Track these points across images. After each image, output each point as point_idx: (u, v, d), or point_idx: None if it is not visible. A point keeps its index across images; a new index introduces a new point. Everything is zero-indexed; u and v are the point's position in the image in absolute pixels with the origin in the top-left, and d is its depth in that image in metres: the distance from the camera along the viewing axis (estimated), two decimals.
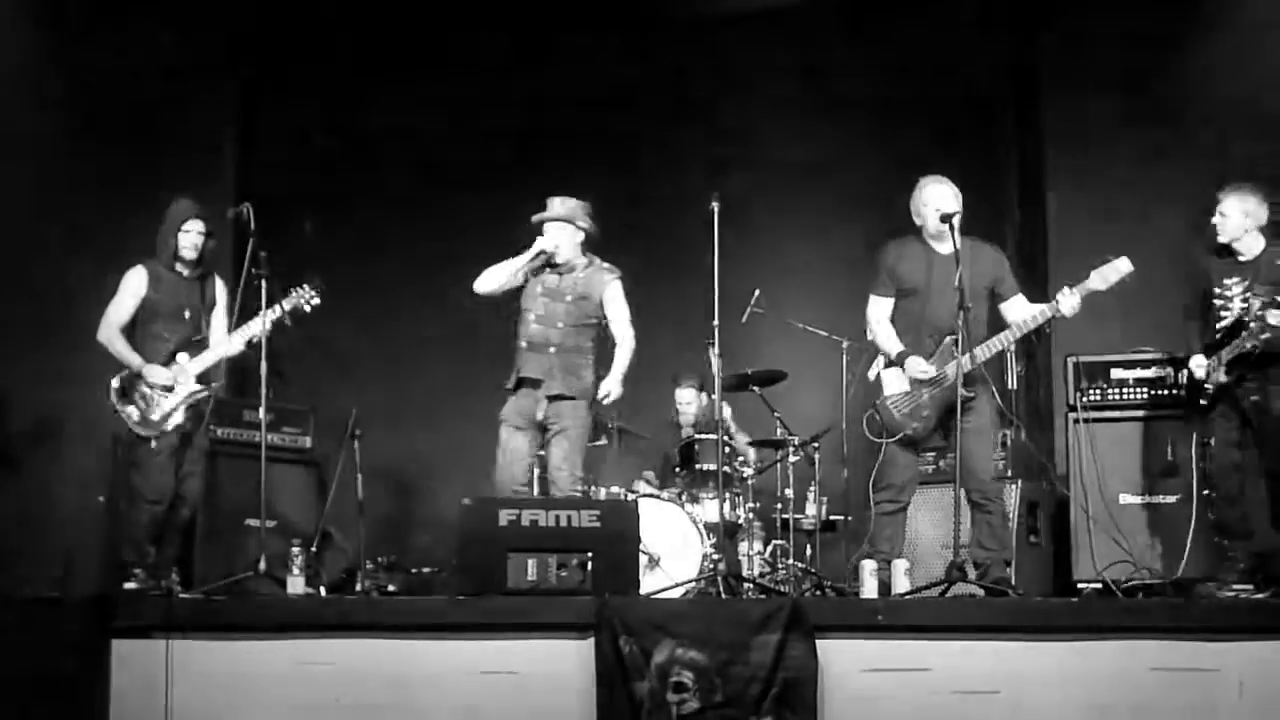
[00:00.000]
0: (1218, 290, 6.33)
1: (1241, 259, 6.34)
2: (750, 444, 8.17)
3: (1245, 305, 6.22)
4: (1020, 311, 6.27)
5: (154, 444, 6.48)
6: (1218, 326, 6.33)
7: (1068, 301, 6.13)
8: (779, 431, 7.94)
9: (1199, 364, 6.34)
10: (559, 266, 6.65)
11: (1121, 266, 6.12)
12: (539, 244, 6.61)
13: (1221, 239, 6.35)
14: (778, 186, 8.94)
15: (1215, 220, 6.33)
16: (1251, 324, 6.13)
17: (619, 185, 8.91)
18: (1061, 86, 8.41)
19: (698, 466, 7.71)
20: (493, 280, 6.60)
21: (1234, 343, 6.21)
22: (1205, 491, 6.46)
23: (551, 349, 6.56)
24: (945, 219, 6.10)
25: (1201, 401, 6.36)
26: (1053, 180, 8.38)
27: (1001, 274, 6.32)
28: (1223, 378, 6.27)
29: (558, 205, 6.70)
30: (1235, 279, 6.29)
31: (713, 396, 6.90)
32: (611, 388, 6.59)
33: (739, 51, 9.03)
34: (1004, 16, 8.85)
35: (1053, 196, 8.32)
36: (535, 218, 6.71)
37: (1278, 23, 7.82)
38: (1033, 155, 8.65)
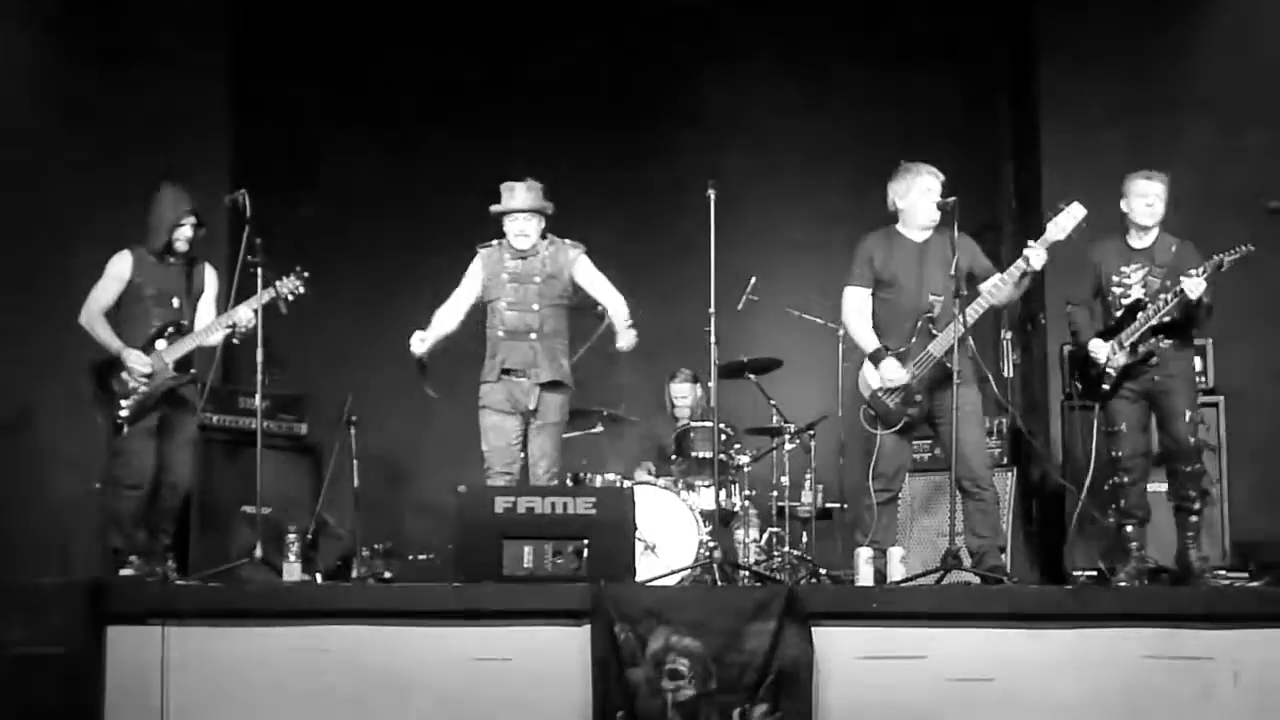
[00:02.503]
0: (1115, 277, 6.35)
1: (1135, 246, 6.38)
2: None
3: (1145, 287, 6.27)
4: (990, 280, 6.23)
5: (125, 430, 6.47)
6: (1116, 312, 6.34)
7: (1034, 254, 6.11)
8: (775, 419, 7.94)
9: (1098, 348, 6.35)
10: (523, 252, 6.56)
11: (1076, 212, 6.12)
12: (414, 348, 6.57)
13: (1150, 221, 6.32)
14: (774, 172, 8.92)
15: (1149, 204, 6.31)
16: (1164, 297, 6.17)
17: (614, 172, 8.91)
18: (1058, 66, 8.40)
19: (693, 454, 7.71)
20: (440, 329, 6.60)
21: (1133, 324, 6.25)
22: (1114, 479, 6.36)
23: (532, 334, 6.51)
24: (942, 207, 6.12)
25: (1104, 386, 6.36)
26: (1048, 161, 8.37)
27: (975, 257, 6.34)
28: (1122, 360, 6.29)
29: (523, 195, 6.53)
30: (1135, 265, 6.33)
31: (708, 386, 6.86)
32: (628, 339, 6.50)
33: (734, 35, 9.00)
34: None
35: (1048, 177, 8.31)
36: (495, 209, 6.60)
37: (1276, 5, 7.83)
38: (1028, 137, 8.64)
